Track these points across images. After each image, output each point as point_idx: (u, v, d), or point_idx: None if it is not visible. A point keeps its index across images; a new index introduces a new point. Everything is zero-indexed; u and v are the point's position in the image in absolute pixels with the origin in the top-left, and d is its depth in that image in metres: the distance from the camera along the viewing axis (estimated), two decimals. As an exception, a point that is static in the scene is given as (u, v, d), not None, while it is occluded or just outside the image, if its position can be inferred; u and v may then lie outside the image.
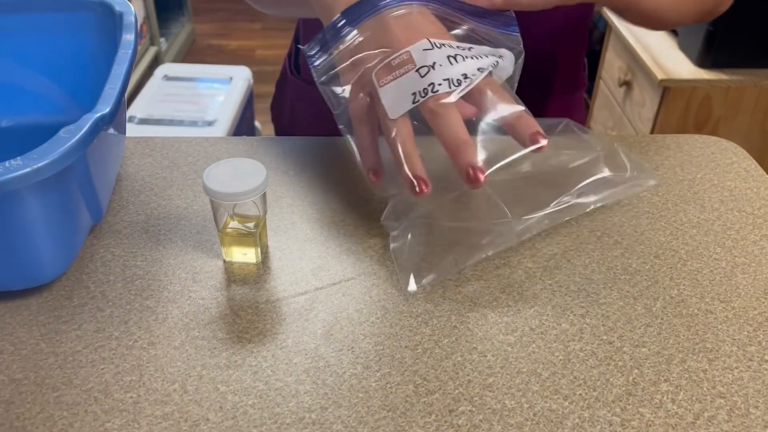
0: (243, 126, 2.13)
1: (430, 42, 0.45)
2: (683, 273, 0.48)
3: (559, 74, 0.75)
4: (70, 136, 0.39)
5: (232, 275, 0.47)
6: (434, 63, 0.45)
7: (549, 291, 0.46)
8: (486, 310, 0.45)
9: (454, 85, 0.45)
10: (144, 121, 1.98)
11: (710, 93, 1.59)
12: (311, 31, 0.77)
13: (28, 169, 0.37)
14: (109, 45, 0.54)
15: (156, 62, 2.58)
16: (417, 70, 0.45)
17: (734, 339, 0.43)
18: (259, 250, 0.48)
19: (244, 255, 0.48)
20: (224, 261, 0.48)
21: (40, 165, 0.37)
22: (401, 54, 0.45)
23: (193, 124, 1.99)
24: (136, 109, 2.00)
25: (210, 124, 1.97)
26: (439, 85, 0.44)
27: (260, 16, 3.46)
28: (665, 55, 1.65)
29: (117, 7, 0.56)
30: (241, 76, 2.17)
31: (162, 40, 2.75)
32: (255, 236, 0.47)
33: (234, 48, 3.18)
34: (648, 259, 0.49)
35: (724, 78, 1.58)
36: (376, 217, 0.52)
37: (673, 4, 0.58)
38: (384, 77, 0.45)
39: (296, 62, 0.80)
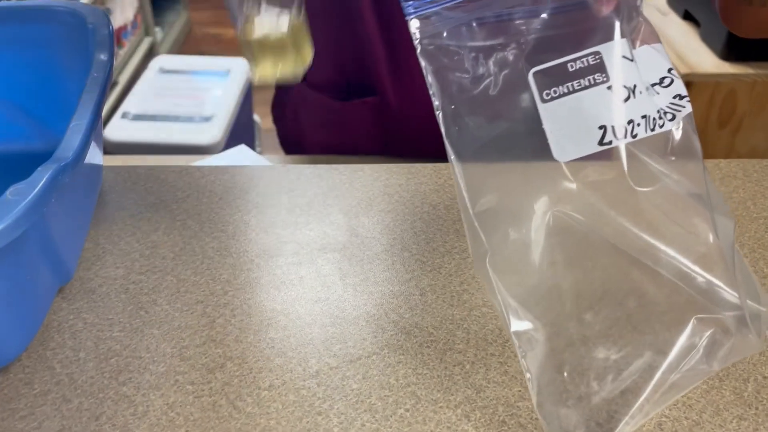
0: (241, 120, 2.04)
1: (629, 46, 0.30)
2: (773, 343, 0.40)
3: None
4: (19, 199, 0.31)
5: (228, 350, 0.39)
6: (635, 86, 0.30)
7: (614, 370, 0.38)
8: (541, 398, 0.36)
9: (650, 130, 0.30)
10: (139, 117, 1.88)
11: (735, 87, 1.50)
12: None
13: (-39, 248, 0.29)
14: (81, 62, 0.46)
15: (151, 53, 2.48)
16: (610, 89, 0.29)
17: None
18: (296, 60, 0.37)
19: (274, 67, 0.37)
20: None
21: (-23, 241, 0.29)
22: (587, 55, 0.30)
23: (190, 119, 1.90)
24: (130, 105, 1.91)
25: (207, 119, 1.88)
26: (638, 126, 0.30)
27: (258, 3, 3.35)
28: (687, 48, 1.56)
29: (90, 18, 0.47)
30: (239, 69, 2.07)
31: (157, 29, 2.65)
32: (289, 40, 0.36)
33: (232, 36, 3.07)
34: (729, 324, 0.41)
35: (750, 72, 1.49)
36: (402, 274, 0.44)
37: None
38: (550, 84, 0.29)
39: None
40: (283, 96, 0.76)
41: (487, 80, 0.30)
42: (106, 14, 0.47)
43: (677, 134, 0.31)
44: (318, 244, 0.46)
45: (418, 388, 0.37)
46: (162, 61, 2.12)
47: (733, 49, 1.49)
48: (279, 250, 0.46)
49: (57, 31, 0.49)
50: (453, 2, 0.29)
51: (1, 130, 0.51)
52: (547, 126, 0.29)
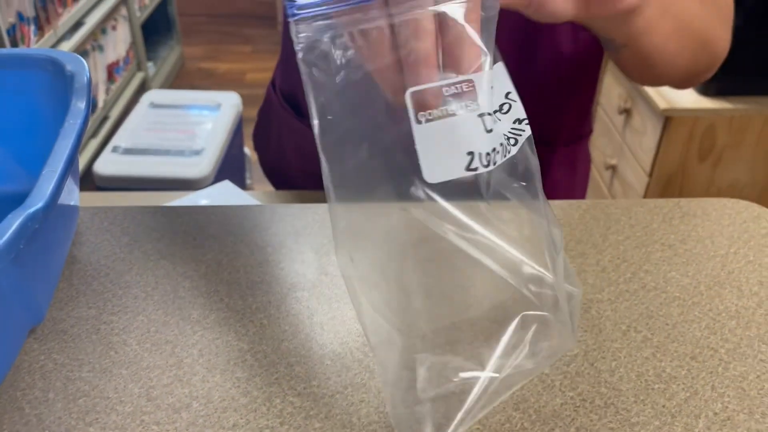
0: (232, 153, 2.06)
1: (505, 68, 0.32)
2: (726, 380, 0.41)
3: (566, 125, 0.69)
4: (-13, 245, 0.32)
5: (194, 390, 0.40)
6: (502, 106, 0.31)
7: (571, 407, 0.39)
8: (496, 434, 0.37)
9: (503, 157, 0.32)
10: (129, 151, 1.90)
11: (714, 122, 1.54)
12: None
13: (-71, 294, 0.30)
14: (60, 107, 0.47)
15: (143, 88, 2.51)
16: (481, 116, 0.30)
17: (796, 473, 0.36)
18: None
19: None
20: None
21: (-55, 287, 0.30)
22: (462, 82, 0.30)
23: (180, 153, 1.92)
24: (120, 139, 1.92)
25: (197, 153, 1.90)
26: (497, 153, 0.31)
27: (250, 38, 3.40)
28: (667, 83, 1.59)
29: (68, 66, 0.48)
30: (229, 103, 2.10)
31: (150, 64, 2.69)
32: None
33: (223, 71, 3.12)
34: (684, 361, 0.42)
35: (729, 107, 1.52)
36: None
37: (677, 46, 0.51)
38: (422, 105, 0.30)
39: (282, 92, 0.74)
40: (266, 123, 0.78)
41: (364, 93, 0.31)
42: (84, 62, 0.49)
43: (520, 158, 0.33)
44: (288, 283, 0.47)
45: (379, 426, 0.38)
46: (153, 95, 2.15)
47: (711, 84, 1.52)
48: (250, 289, 0.47)
49: (37, 77, 0.50)
50: (339, 6, 0.29)
51: (-18, 173, 0.52)
52: (419, 147, 0.30)
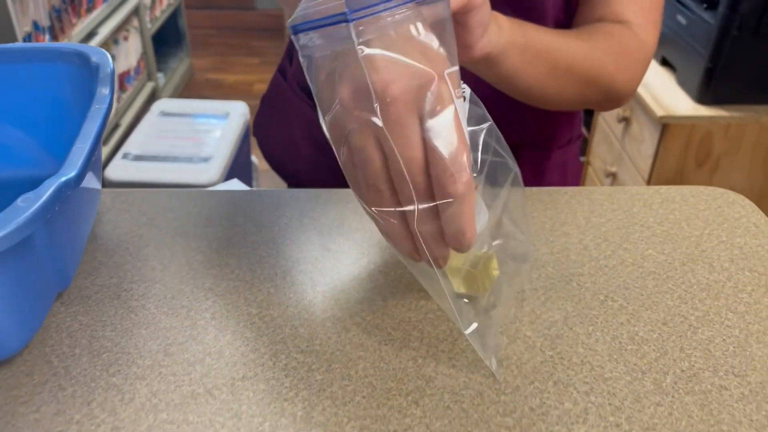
0: (239, 161, 2.11)
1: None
2: (694, 342, 0.44)
3: (557, 130, 0.73)
4: (27, 206, 0.36)
5: (207, 347, 0.44)
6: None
7: (550, 364, 0.43)
8: (482, 387, 0.41)
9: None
10: (139, 158, 1.95)
11: (711, 129, 1.57)
12: None
13: (-22, 244, 0.34)
14: (85, 97, 0.51)
15: (153, 97, 2.57)
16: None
17: (752, 420, 0.39)
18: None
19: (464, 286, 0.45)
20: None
21: (-8, 239, 0.34)
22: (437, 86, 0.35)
23: (189, 160, 1.96)
24: (131, 146, 1.98)
25: (206, 160, 1.95)
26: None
27: (258, 51, 3.47)
28: (664, 92, 1.63)
29: (94, 58, 0.53)
30: (237, 111, 2.15)
31: (160, 75, 2.75)
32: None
33: (232, 82, 3.18)
34: (656, 326, 0.46)
35: (725, 114, 1.56)
36: (367, 283, 0.49)
37: (556, 85, 0.54)
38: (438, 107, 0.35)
39: (298, 82, 0.76)
40: (272, 111, 0.80)
41: None
42: (107, 54, 0.53)
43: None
44: (293, 258, 0.51)
45: (374, 379, 0.42)
46: (163, 104, 2.20)
47: (707, 92, 1.56)
48: (258, 263, 0.51)
49: (63, 68, 0.55)
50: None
51: (14, 157, 0.57)
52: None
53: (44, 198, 0.37)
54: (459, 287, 0.44)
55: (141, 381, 0.41)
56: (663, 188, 0.60)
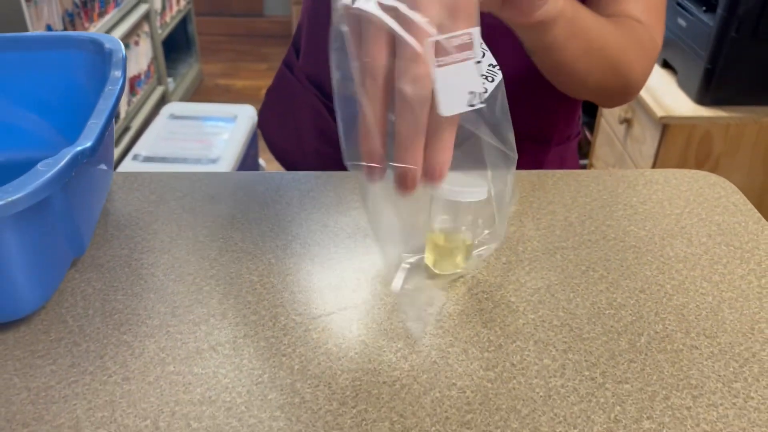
0: (247, 163, 2.14)
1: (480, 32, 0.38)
2: (669, 308, 0.47)
3: (557, 127, 0.76)
4: (47, 170, 0.39)
5: (211, 309, 0.47)
6: (483, 57, 0.38)
7: (531, 326, 0.45)
8: (467, 345, 0.44)
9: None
10: (149, 159, 1.99)
11: (710, 130, 1.60)
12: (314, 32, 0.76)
13: (2, 202, 0.37)
14: (99, 82, 0.55)
15: (163, 101, 2.61)
16: (477, 62, 0.37)
17: (719, 375, 0.42)
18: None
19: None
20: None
21: (15, 198, 0.37)
22: (462, 35, 0.36)
23: (197, 161, 2.00)
24: (141, 147, 2.02)
25: (214, 161, 1.98)
26: (485, 93, 0.38)
27: (267, 57, 3.51)
28: (665, 93, 1.66)
29: (107, 45, 0.56)
30: (245, 115, 2.19)
31: (170, 80, 2.80)
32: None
33: (240, 87, 3.22)
34: (633, 293, 0.48)
35: (724, 115, 1.58)
36: (362, 255, 0.52)
37: (586, 66, 0.57)
38: (441, 55, 0.36)
39: (307, 75, 0.79)
40: (277, 103, 0.83)
41: None
42: (119, 41, 0.57)
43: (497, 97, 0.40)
44: (293, 233, 0.54)
45: (367, 337, 0.45)
46: (172, 107, 2.24)
47: (707, 94, 1.58)
48: (260, 236, 0.54)
49: (78, 55, 0.58)
50: None
51: (30, 140, 0.60)
52: (438, 86, 0.37)
53: (62, 163, 0.40)
54: (429, 259, 0.48)
55: (150, 338, 0.44)
56: (648, 171, 0.62)
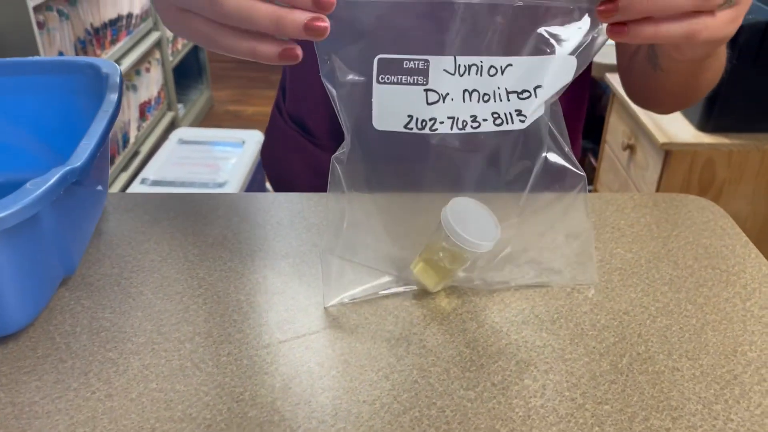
0: (254, 187, 2.16)
1: (455, 62, 0.40)
2: (652, 330, 0.47)
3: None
4: (35, 188, 0.41)
5: (197, 327, 0.47)
6: (447, 94, 0.40)
7: (514, 346, 0.46)
8: (449, 365, 0.44)
9: (458, 128, 0.41)
10: (157, 183, 2.02)
11: (713, 156, 1.60)
12: (298, 77, 0.78)
13: (-11, 219, 0.38)
14: (97, 105, 0.56)
15: (172, 126, 2.65)
16: (426, 90, 0.39)
17: (700, 397, 0.42)
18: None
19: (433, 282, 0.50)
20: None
21: (2, 215, 0.38)
22: (419, 60, 0.39)
23: (204, 185, 2.03)
24: (149, 172, 2.04)
25: (221, 185, 2.01)
26: (441, 123, 0.41)
27: (275, 83, 3.56)
28: (667, 120, 1.66)
29: (104, 69, 0.58)
30: (253, 140, 2.22)
31: (180, 105, 2.84)
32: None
33: (250, 113, 3.26)
34: (617, 315, 0.48)
35: (726, 142, 1.58)
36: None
37: (697, 86, 0.59)
38: (386, 71, 0.38)
39: (290, 115, 0.81)
40: (274, 142, 0.86)
41: None
42: (116, 65, 0.58)
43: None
44: (282, 252, 0.55)
45: (349, 357, 0.45)
46: (181, 132, 2.27)
47: (709, 120, 1.59)
48: (249, 256, 0.55)
49: (78, 79, 0.60)
50: None
51: (28, 162, 0.61)
52: (374, 101, 0.38)
53: (51, 182, 0.41)
54: (416, 266, 0.48)
55: (134, 356, 0.45)
56: (637, 195, 0.63)
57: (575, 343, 0.46)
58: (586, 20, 0.41)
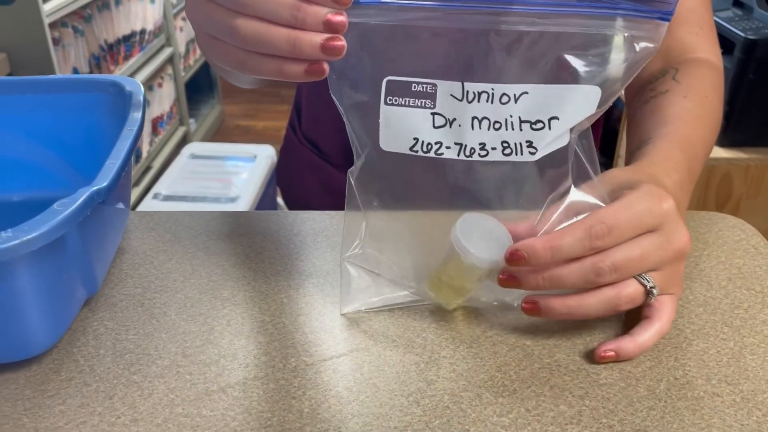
0: (265, 202, 2.16)
1: (462, 88, 0.39)
2: (689, 353, 0.46)
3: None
4: (63, 209, 0.40)
5: (222, 350, 0.46)
6: (454, 119, 0.40)
7: (547, 370, 0.44)
8: (481, 390, 0.43)
9: (465, 155, 0.41)
10: (168, 198, 2.02)
11: (730, 171, 1.58)
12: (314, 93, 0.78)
13: (17, 241, 0.37)
14: (119, 123, 0.56)
15: (184, 141, 2.65)
16: (432, 114, 0.39)
17: (742, 425, 0.40)
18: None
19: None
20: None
21: (30, 237, 0.38)
22: (427, 83, 0.39)
23: (216, 200, 2.02)
24: (161, 186, 2.05)
25: (233, 200, 2.00)
26: (447, 148, 0.40)
27: (287, 98, 3.57)
28: (683, 134, 1.65)
29: (127, 87, 0.58)
30: (264, 154, 2.22)
31: (191, 120, 2.85)
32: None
33: (261, 128, 3.27)
34: (651, 338, 0.47)
35: (743, 156, 1.57)
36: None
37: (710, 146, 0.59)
38: (393, 93, 0.39)
39: (305, 135, 0.82)
40: (289, 161, 0.86)
41: None
42: (139, 84, 0.58)
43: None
44: (306, 272, 0.54)
45: (378, 381, 0.44)
46: (193, 147, 2.28)
47: (725, 135, 1.57)
48: (273, 276, 0.54)
49: (100, 98, 0.60)
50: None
51: (51, 180, 0.61)
52: (381, 122, 0.38)
53: (78, 203, 0.41)
54: (432, 284, 0.48)
55: (159, 379, 0.44)
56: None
57: (610, 367, 0.45)
58: (615, 44, 0.40)
